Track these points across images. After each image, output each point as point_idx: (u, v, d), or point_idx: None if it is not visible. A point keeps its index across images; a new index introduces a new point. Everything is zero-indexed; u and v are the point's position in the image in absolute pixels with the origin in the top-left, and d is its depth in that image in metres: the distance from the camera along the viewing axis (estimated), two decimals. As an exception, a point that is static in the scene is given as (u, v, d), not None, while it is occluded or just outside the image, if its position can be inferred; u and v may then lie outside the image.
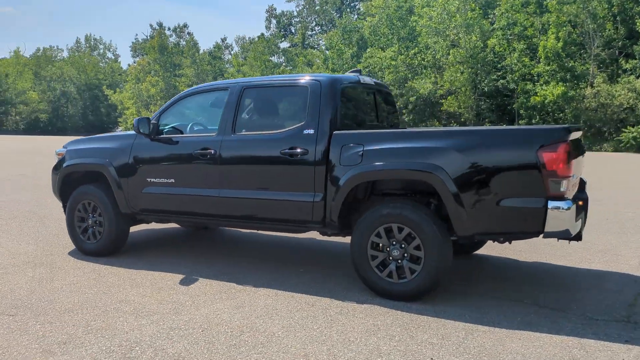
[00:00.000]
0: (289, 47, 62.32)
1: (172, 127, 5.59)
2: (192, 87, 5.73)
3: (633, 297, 4.43)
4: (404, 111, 38.49)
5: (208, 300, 4.38)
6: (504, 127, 4.83)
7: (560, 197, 3.91)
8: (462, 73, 35.20)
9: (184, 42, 62.58)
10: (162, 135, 5.47)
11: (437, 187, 4.14)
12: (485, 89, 35.46)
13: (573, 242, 6.44)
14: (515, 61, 33.91)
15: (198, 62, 56.35)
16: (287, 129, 4.83)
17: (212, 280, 4.92)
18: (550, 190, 3.89)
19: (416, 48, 38.86)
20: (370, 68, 39.71)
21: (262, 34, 61.11)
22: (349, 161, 4.47)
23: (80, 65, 78.90)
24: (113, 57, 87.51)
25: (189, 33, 64.39)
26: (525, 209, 3.97)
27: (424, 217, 4.20)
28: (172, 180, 5.35)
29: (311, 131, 4.67)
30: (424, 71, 38.42)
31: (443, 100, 36.84)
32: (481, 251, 5.98)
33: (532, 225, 3.96)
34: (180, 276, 5.06)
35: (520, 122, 34.33)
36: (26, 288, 4.69)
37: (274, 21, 65.58)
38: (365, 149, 4.44)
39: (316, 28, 65.60)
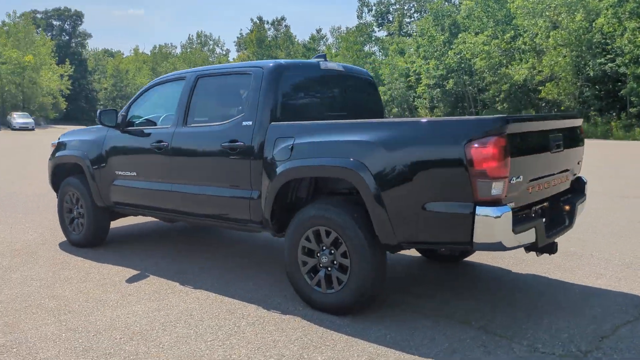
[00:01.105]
0: (386, 35, 61.25)
1: (145, 119, 5.48)
2: (159, 77, 5.58)
3: (612, 328, 3.57)
4: (496, 99, 36.23)
5: (134, 300, 4.20)
6: (434, 118, 4.10)
7: (493, 203, 3.23)
8: (563, 57, 32.34)
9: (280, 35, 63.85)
10: (128, 128, 5.38)
11: (358, 186, 3.61)
12: (591, 73, 32.31)
13: (592, 251, 5.48)
14: (627, 42, 30.45)
15: (292, 54, 57.14)
16: (229, 120, 4.50)
17: (159, 279, 4.75)
18: (479, 193, 3.21)
19: (512, 31, 36.29)
20: (462, 54, 37.79)
21: (359, 24, 60.58)
22: (280, 156, 4.06)
23: (191, 60, 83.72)
24: (222, 52, 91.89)
25: (286, 26, 65.67)
26: (451, 215, 3.33)
27: (349, 221, 3.68)
28: (135, 173, 5.25)
29: (249, 123, 4.31)
30: (522, 56, 35.80)
31: (541, 87, 34.12)
32: (475, 258, 5.25)
33: (459, 234, 3.31)
34: (135, 272, 4.95)
35: (631, 109, 30.87)
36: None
37: (365, 10, 64.73)
38: (295, 142, 4.00)
39: (415, 15, 63.86)
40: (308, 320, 3.77)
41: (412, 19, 63.06)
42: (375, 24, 62.45)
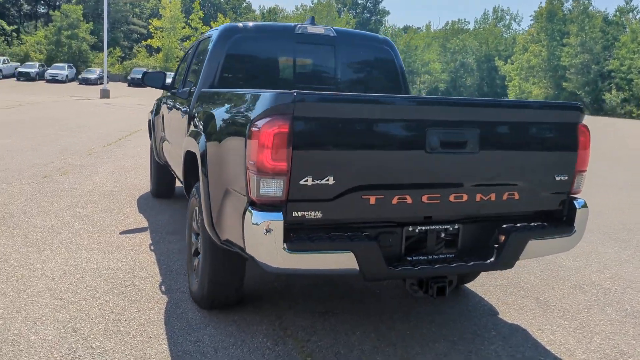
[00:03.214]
0: None
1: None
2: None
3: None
4: None
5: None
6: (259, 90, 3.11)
7: (266, 205, 2.53)
8: None
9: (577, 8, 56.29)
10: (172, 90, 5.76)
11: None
12: None
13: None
14: None
15: (587, 29, 49.96)
16: (191, 87, 4.49)
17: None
18: (250, 191, 2.55)
19: None
20: None
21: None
22: (191, 126, 3.90)
23: (482, 36, 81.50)
24: (519, 28, 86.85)
25: (589, -4, 57.43)
26: (232, 211, 2.74)
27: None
28: (164, 134, 5.68)
29: (193, 89, 4.23)
30: None
31: None
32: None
33: (239, 239, 2.69)
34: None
35: None
36: None
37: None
38: (196, 112, 3.80)
39: None
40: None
41: None
42: None
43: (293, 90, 2.49)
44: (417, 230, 2.89)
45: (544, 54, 53.96)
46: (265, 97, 2.58)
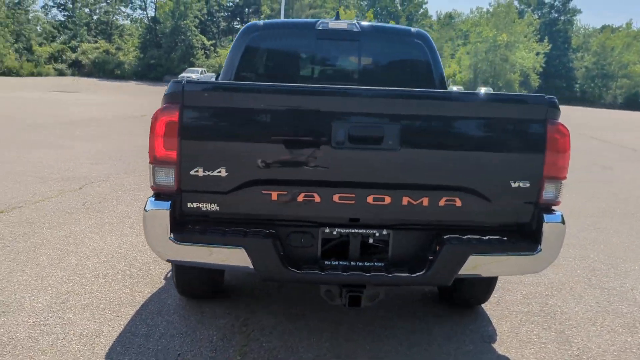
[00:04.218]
0: None
1: None
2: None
3: None
4: None
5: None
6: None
7: (161, 194, 2.56)
8: None
9: None
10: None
11: None
12: None
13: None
14: None
15: None
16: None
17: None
18: (150, 179, 2.60)
19: None
20: None
21: None
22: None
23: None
24: None
25: None
26: None
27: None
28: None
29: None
30: None
31: None
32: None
33: None
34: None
35: None
36: None
37: None
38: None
39: None
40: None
41: None
42: None
43: (184, 79, 2.47)
44: (335, 233, 2.63)
45: None
46: (173, 84, 2.59)
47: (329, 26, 4.21)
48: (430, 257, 2.56)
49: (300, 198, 2.53)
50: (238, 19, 78.57)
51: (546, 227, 2.54)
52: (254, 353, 3.05)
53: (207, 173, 2.48)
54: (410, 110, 2.51)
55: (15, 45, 55.56)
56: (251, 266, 2.51)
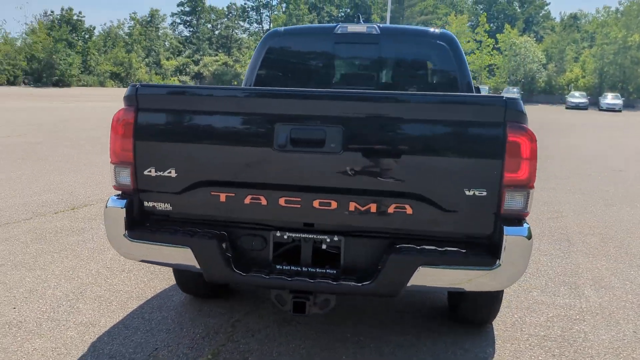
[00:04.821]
0: None
1: None
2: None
3: None
4: None
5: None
6: None
7: (122, 194, 2.71)
8: None
9: None
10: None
11: None
12: None
13: None
14: None
15: None
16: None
17: None
18: (112, 179, 2.74)
19: None
20: None
21: None
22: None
23: None
24: None
25: None
26: None
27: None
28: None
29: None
30: None
31: None
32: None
33: None
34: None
35: None
36: None
37: None
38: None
39: None
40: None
41: None
42: None
43: (139, 83, 2.58)
44: (286, 237, 2.58)
45: None
46: (131, 87, 2.71)
47: (348, 30, 4.15)
48: (379, 267, 2.42)
49: (247, 200, 2.52)
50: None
51: (508, 240, 2.28)
52: (227, 354, 3.08)
53: (158, 173, 2.57)
54: (352, 112, 2.40)
55: (147, 59, 61.22)
56: (197, 266, 2.54)
